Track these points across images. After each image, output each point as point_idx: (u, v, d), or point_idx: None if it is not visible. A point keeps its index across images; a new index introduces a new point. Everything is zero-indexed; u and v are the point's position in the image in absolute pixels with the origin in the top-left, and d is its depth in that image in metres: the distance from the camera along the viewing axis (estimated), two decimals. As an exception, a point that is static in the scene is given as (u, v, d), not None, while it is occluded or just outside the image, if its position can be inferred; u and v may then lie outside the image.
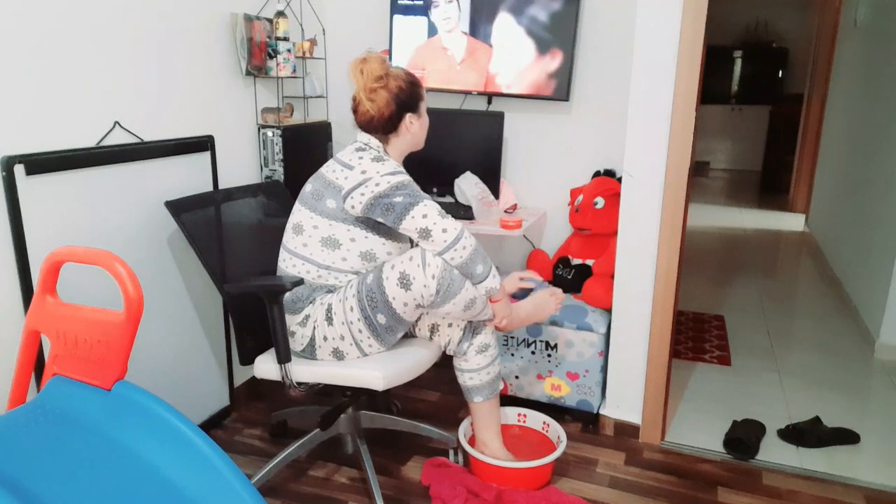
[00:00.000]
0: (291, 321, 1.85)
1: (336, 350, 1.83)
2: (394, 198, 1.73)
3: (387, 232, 1.83)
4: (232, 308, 1.92)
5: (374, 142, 1.87)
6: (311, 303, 1.83)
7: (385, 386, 1.78)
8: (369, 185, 1.74)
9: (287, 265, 1.86)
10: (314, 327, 1.82)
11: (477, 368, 1.94)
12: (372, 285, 1.76)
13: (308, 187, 1.85)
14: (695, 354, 3.01)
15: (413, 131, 1.90)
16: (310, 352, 1.85)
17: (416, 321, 1.97)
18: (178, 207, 1.95)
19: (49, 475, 1.14)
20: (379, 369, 1.78)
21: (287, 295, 1.83)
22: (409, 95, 1.85)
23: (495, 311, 1.89)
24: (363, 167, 1.77)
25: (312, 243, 1.81)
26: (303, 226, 1.82)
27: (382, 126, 1.85)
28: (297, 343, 1.86)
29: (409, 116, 1.86)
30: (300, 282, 1.76)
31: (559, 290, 2.07)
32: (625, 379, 2.31)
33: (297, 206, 1.86)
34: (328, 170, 1.83)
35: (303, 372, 1.84)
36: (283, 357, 1.80)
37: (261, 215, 2.21)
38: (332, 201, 1.78)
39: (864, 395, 2.67)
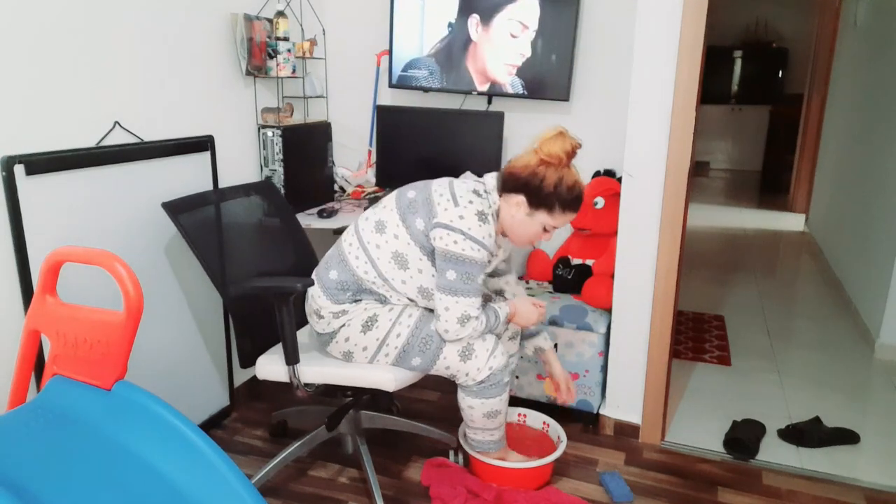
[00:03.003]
0: (327, 305, 1.80)
1: (348, 353, 1.83)
2: (450, 269, 1.69)
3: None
4: (232, 310, 1.90)
5: (494, 196, 1.78)
6: (355, 301, 1.81)
7: (396, 387, 1.79)
8: (452, 235, 1.68)
9: (352, 254, 1.80)
10: (344, 324, 1.81)
11: (513, 352, 2.04)
12: (433, 335, 1.77)
13: (411, 194, 1.78)
14: (695, 354, 3.01)
15: (514, 215, 1.77)
16: (325, 340, 1.84)
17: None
18: (175, 209, 1.92)
19: (49, 475, 1.14)
20: (390, 371, 1.79)
21: (334, 278, 1.80)
22: (542, 189, 1.71)
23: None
24: (463, 214, 1.69)
25: (385, 250, 1.76)
26: (386, 227, 1.77)
27: (503, 181, 1.76)
28: (319, 326, 1.84)
29: (520, 199, 1.74)
30: (311, 283, 1.75)
31: (542, 304, 1.92)
32: (625, 379, 2.31)
33: (391, 203, 1.80)
34: (437, 190, 1.76)
35: (312, 373, 1.84)
36: (292, 358, 1.79)
37: (254, 215, 2.18)
38: (422, 222, 1.73)
39: (864, 395, 2.67)
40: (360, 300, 1.82)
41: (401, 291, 1.79)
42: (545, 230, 1.79)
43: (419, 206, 1.74)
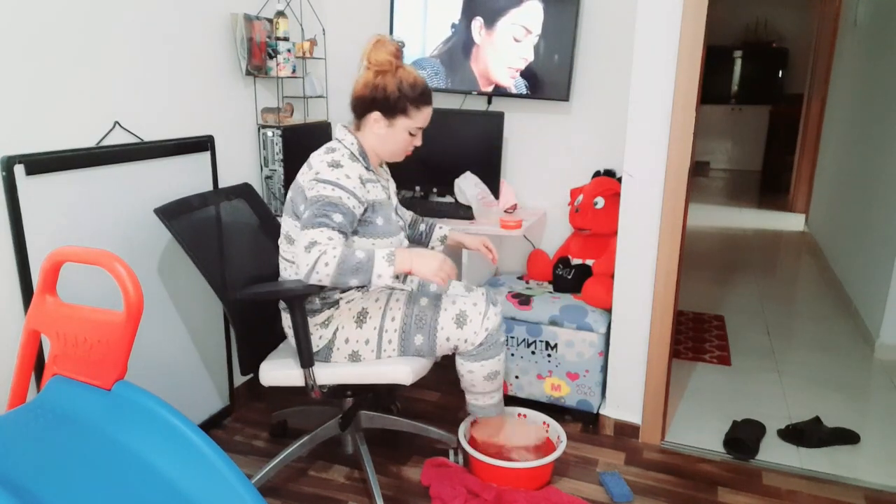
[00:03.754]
0: (311, 323, 1.83)
1: (354, 353, 1.83)
2: (307, 210, 1.68)
3: (370, 232, 1.79)
4: (233, 317, 1.87)
5: (348, 139, 1.81)
6: (333, 306, 1.83)
7: (414, 379, 1.80)
8: (308, 186, 1.72)
9: (289, 274, 1.84)
10: (337, 328, 1.82)
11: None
12: (426, 309, 1.82)
13: (289, 195, 1.83)
14: (695, 354, 3.01)
15: (377, 133, 1.81)
16: (325, 354, 1.85)
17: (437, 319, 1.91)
18: (167, 214, 1.86)
19: (49, 475, 1.14)
20: (404, 362, 1.80)
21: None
22: (388, 97, 1.77)
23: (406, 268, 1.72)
24: (316, 169, 1.73)
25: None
26: (290, 234, 1.81)
27: (353, 107, 1.82)
28: (312, 345, 1.84)
29: (376, 115, 1.79)
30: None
31: (450, 267, 1.76)
32: (625, 379, 2.31)
33: (284, 215, 1.84)
34: (300, 173, 1.81)
35: (326, 374, 1.83)
36: (308, 361, 1.79)
37: (241, 218, 2.15)
38: (303, 205, 1.74)
39: (864, 395, 2.67)
40: (339, 303, 1.82)
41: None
42: (411, 134, 1.83)
43: (295, 196, 1.78)
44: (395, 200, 1.97)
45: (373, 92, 1.77)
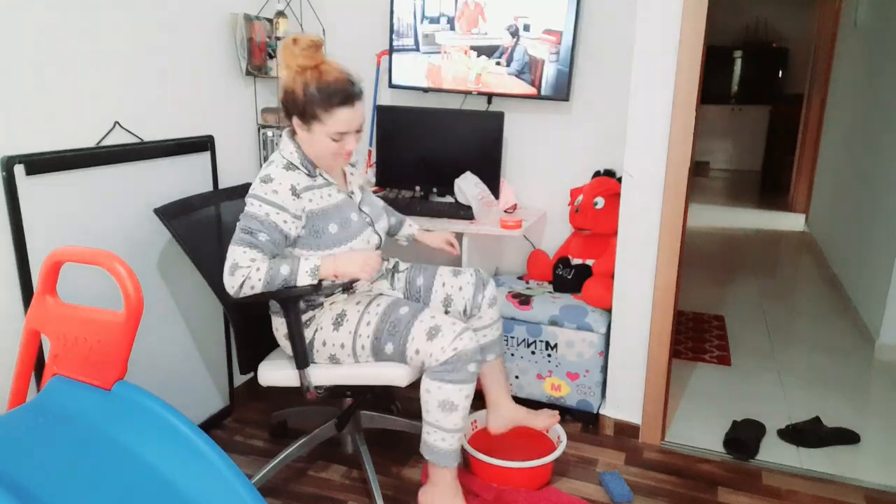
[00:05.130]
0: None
1: (332, 357, 1.82)
2: (238, 226, 1.67)
3: (325, 243, 1.75)
4: (232, 317, 1.87)
5: (288, 147, 1.74)
6: (318, 307, 1.83)
7: (409, 381, 1.78)
8: (246, 202, 1.70)
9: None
10: (317, 329, 1.81)
11: (489, 323, 2.01)
12: (403, 318, 1.75)
13: None
14: (695, 354, 3.01)
15: (303, 139, 1.72)
16: (309, 355, 1.85)
17: (431, 293, 1.98)
18: (167, 214, 1.88)
19: (49, 475, 1.14)
20: (400, 367, 1.78)
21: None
22: (296, 102, 1.66)
23: (332, 270, 1.69)
24: (254, 182, 1.71)
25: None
26: None
27: (283, 118, 1.75)
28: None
29: (296, 121, 1.70)
30: (319, 286, 1.68)
31: (376, 257, 1.72)
32: (625, 379, 2.31)
33: None
34: None
35: (321, 375, 1.83)
36: (302, 362, 1.79)
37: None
38: None
39: (864, 395, 2.67)
40: (322, 304, 1.82)
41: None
42: (335, 140, 1.68)
43: None
44: (359, 195, 1.89)
45: (286, 96, 1.68)
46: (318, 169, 1.78)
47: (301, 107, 1.65)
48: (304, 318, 1.82)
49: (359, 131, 1.73)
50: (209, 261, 1.88)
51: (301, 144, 1.74)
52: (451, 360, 1.69)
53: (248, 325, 1.92)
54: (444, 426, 1.74)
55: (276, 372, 1.86)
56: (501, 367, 2.11)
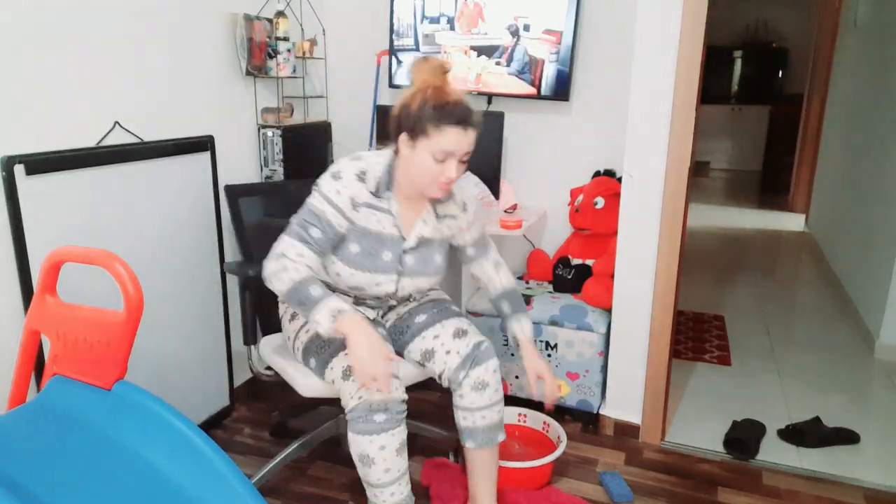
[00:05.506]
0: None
1: (287, 339, 1.84)
2: (294, 216, 1.64)
3: (343, 256, 1.69)
4: (251, 288, 1.93)
5: (376, 157, 1.68)
6: None
7: (308, 393, 1.74)
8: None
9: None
10: (285, 310, 1.86)
11: (471, 408, 1.71)
12: (333, 342, 1.67)
13: None
14: (695, 354, 3.01)
15: (404, 156, 1.64)
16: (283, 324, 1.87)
17: (408, 344, 1.82)
18: (235, 192, 2.12)
19: (49, 475, 1.14)
20: (310, 376, 1.75)
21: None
22: (410, 114, 1.59)
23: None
24: (326, 173, 1.66)
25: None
26: None
27: (391, 133, 1.66)
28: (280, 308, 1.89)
29: (403, 136, 1.62)
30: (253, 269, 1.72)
31: (391, 358, 1.56)
32: (625, 379, 2.31)
33: None
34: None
35: (269, 356, 1.92)
36: (249, 338, 1.91)
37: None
38: None
39: (864, 395, 2.67)
40: None
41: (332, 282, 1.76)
42: (439, 161, 1.58)
43: None
44: (412, 242, 1.72)
45: (400, 111, 1.62)
46: (392, 194, 1.69)
47: (412, 121, 1.58)
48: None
49: (464, 162, 1.63)
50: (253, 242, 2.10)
51: (399, 165, 1.66)
52: (355, 408, 1.56)
53: (259, 301, 2.00)
54: (369, 480, 1.61)
55: (275, 355, 1.91)
56: (487, 461, 1.77)
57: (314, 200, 1.63)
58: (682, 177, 2.07)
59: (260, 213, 2.17)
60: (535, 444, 2.17)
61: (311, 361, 1.72)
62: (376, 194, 1.67)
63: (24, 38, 1.61)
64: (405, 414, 1.61)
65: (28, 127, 1.65)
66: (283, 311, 1.87)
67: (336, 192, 1.62)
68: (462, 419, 1.74)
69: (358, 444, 1.58)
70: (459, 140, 1.58)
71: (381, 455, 1.57)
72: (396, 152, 1.67)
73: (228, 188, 2.11)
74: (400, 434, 1.60)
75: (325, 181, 1.64)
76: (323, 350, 1.68)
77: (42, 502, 1.08)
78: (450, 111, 1.56)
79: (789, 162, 6.81)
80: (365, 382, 1.51)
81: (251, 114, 2.46)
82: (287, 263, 1.57)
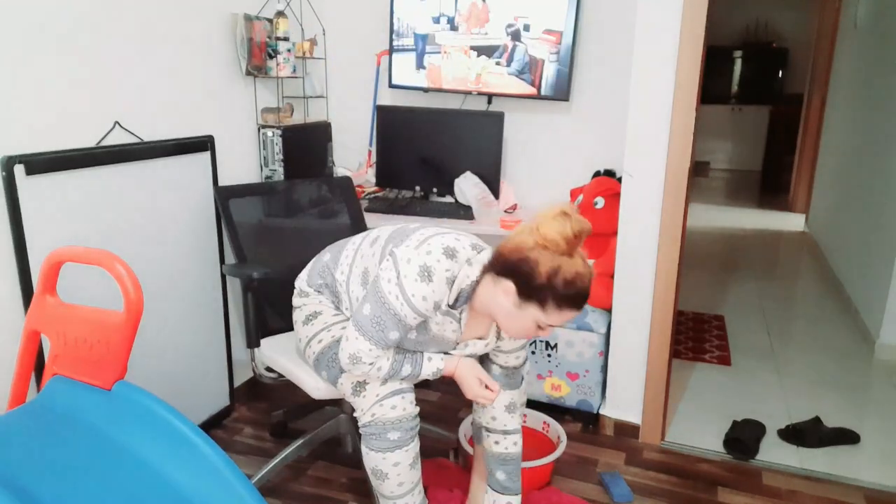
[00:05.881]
0: (302, 278, 1.80)
1: (298, 340, 1.78)
2: (369, 303, 1.48)
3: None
4: (252, 291, 1.93)
5: (470, 272, 1.48)
6: (319, 291, 1.74)
7: (319, 396, 1.75)
8: (390, 272, 1.46)
9: (348, 249, 1.71)
10: (298, 307, 1.76)
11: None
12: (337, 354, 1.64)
13: (413, 226, 1.62)
14: (695, 354, 3.01)
15: (499, 302, 1.45)
16: (295, 317, 1.79)
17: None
18: (226, 193, 2.14)
19: (49, 475, 1.14)
20: (320, 380, 1.74)
21: (325, 260, 1.75)
22: (531, 278, 1.39)
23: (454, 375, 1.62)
24: (411, 258, 1.45)
25: (361, 264, 1.64)
26: (379, 240, 1.63)
27: (493, 260, 1.48)
28: (294, 300, 1.80)
29: (509, 285, 1.42)
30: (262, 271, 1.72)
31: (494, 387, 1.63)
32: (625, 379, 2.31)
33: (386, 228, 1.68)
34: (424, 230, 1.56)
35: (269, 358, 1.91)
36: (252, 342, 1.89)
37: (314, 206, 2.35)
38: (365, 288, 1.62)
39: (864, 395, 2.67)
40: (322, 293, 1.74)
41: (351, 305, 1.69)
42: (539, 327, 1.46)
43: (369, 265, 1.61)
44: (460, 349, 1.64)
45: (519, 263, 1.40)
46: (465, 309, 1.56)
47: (533, 286, 1.40)
48: (305, 288, 1.77)
49: None
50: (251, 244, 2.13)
51: (486, 293, 1.48)
52: (369, 424, 1.55)
53: (261, 303, 2.04)
54: (381, 492, 1.61)
55: (277, 355, 1.90)
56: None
57: (395, 302, 1.45)
58: (682, 177, 2.07)
59: (252, 214, 2.18)
60: (535, 444, 2.17)
61: (324, 372, 1.69)
62: (453, 305, 1.54)
63: (24, 38, 1.61)
64: (418, 427, 1.61)
65: (28, 127, 1.65)
66: (297, 313, 1.78)
67: (423, 298, 1.44)
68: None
69: (371, 459, 1.57)
70: (571, 318, 1.47)
71: (394, 471, 1.58)
72: (490, 284, 1.48)
73: (219, 189, 2.13)
74: (413, 448, 1.59)
75: (410, 274, 1.44)
76: (333, 365, 1.65)
77: (42, 502, 1.08)
78: (578, 294, 1.41)
79: (789, 162, 6.81)
80: (474, 399, 1.63)
81: (251, 114, 2.46)
82: (365, 370, 1.52)
